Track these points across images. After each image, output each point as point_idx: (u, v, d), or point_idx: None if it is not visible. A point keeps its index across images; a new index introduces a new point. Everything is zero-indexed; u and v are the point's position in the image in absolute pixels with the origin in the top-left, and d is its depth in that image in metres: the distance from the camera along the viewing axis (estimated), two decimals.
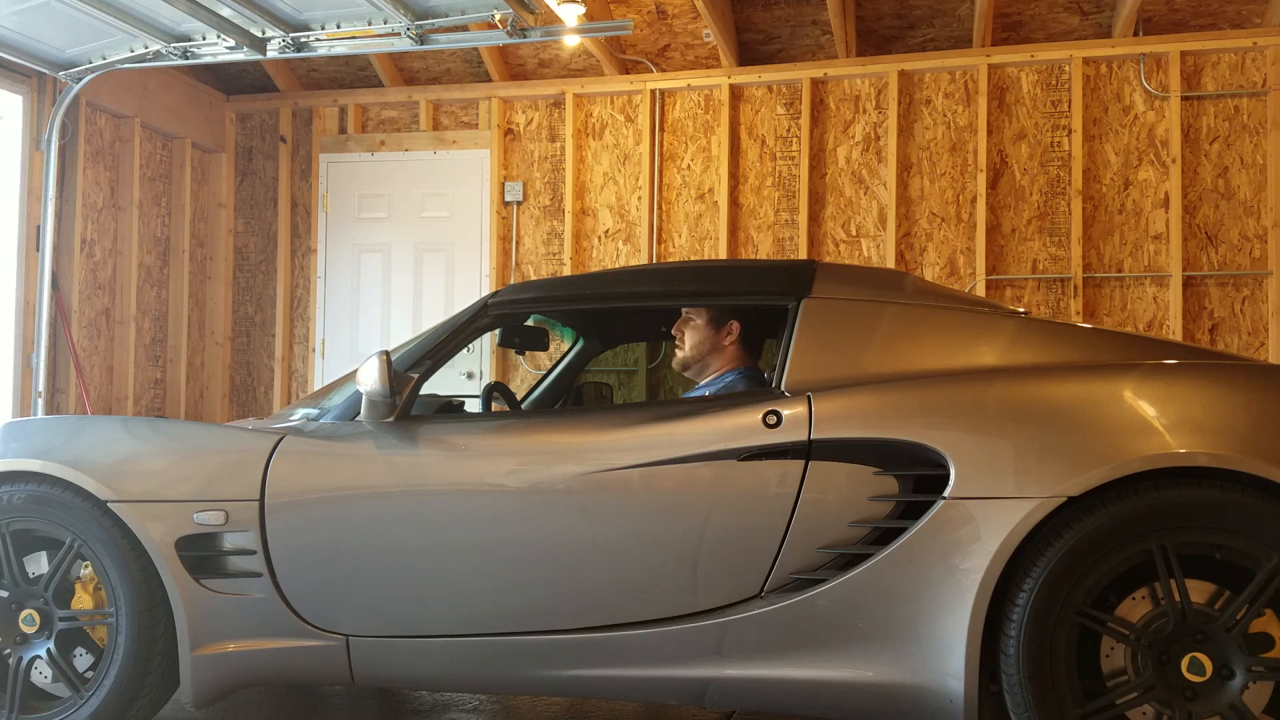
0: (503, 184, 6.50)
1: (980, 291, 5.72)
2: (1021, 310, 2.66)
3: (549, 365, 4.22)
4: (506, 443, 2.57)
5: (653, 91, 6.29)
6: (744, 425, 2.39)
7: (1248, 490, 2.13)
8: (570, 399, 3.80)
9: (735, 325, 2.99)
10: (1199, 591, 2.17)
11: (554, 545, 2.45)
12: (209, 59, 5.37)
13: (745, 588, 2.36)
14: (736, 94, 6.20)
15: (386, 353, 2.59)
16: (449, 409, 2.94)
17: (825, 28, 5.99)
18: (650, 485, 2.41)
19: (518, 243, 6.50)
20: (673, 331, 3.08)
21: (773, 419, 2.38)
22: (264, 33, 5.11)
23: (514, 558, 2.46)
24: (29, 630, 2.67)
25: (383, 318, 6.69)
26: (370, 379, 2.56)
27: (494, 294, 2.83)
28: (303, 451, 2.61)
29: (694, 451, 2.40)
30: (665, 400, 2.70)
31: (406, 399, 2.64)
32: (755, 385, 2.90)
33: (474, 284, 6.49)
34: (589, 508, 2.43)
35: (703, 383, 3.00)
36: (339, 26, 5.04)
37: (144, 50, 5.31)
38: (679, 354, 3.02)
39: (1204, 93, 5.59)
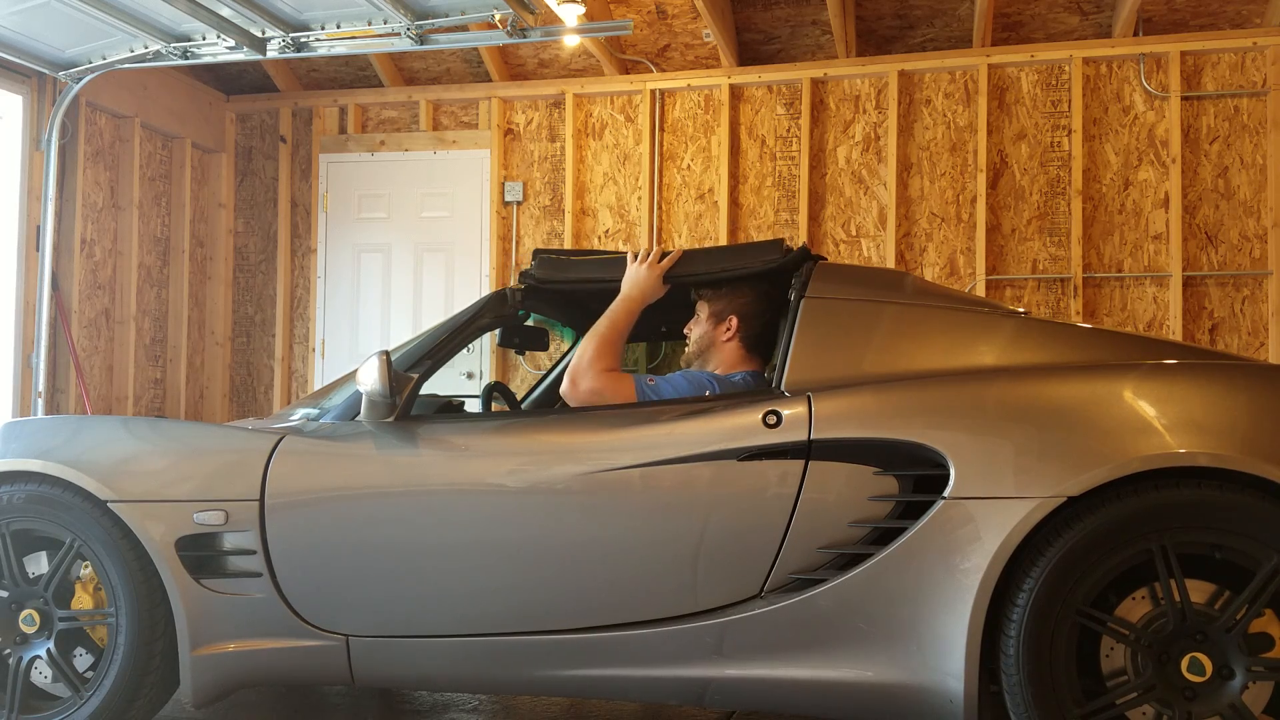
0: (503, 184, 6.50)
1: (980, 291, 5.72)
2: (1021, 310, 2.65)
3: (549, 365, 4.22)
4: (506, 443, 2.57)
5: (653, 91, 6.28)
6: (744, 425, 2.39)
7: (1247, 490, 2.12)
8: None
9: (734, 320, 2.90)
10: (1199, 591, 2.17)
11: (554, 545, 2.44)
12: (209, 59, 5.37)
13: (745, 588, 2.36)
14: (736, 94, 6.20)
15: (386, 353, 2.59)
16: (449, 409, 2.94)
17: (825, 28, 5.99)
18: (650, 485, 2.41)
19: (518, 243, 6.50)
20: (684, 330, 3.06)
21: (773, 419, 2.38)
22: (264, 33, 5.11)
23: (514, 558, 2.46)
24: (29, 630, 2.67)
25: (383, 318, 6.68)
26: (370, 379, 2.56)
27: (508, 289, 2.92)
28: (303, 451, 2.61)
29: (694, 451, 2.39)
30: (665, 400, 2.69)
31: (406, 399, 2.63)
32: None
33: (474, 284, 6.49)
34: (589, 508, 2.43)
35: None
36: (339, 26, 5.04)
37: (144, 50, 5.31)
38: (686, 350, 3.01)
39: (1204, 93, 5.59)
